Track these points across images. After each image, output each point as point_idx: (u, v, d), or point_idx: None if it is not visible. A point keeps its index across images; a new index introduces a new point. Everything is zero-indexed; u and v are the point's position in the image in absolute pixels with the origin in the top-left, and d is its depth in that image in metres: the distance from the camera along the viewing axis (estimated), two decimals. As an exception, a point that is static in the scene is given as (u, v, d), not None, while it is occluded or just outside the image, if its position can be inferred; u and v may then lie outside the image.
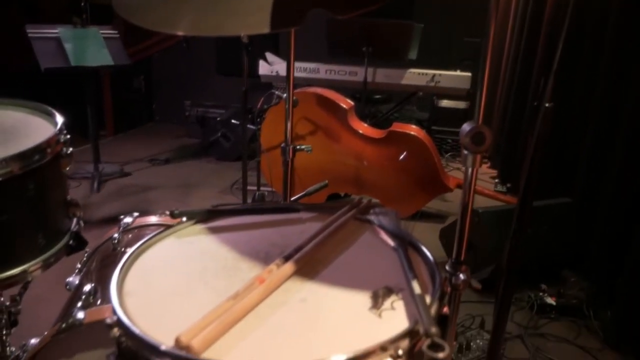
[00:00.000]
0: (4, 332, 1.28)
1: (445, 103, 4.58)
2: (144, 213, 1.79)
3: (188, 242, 0.95)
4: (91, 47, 3.57)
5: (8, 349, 1.29)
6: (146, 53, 4.92)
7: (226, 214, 1.04)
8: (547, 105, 1.23)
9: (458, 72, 3.86)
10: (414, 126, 3.29)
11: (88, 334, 1.28)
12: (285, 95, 3.07)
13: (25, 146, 1.12)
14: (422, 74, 3.82)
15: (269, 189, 3.38)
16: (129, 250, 0.89)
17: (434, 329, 0.64)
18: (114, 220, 1.76)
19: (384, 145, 3.27)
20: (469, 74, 3.85)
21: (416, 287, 0.75)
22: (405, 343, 0.65)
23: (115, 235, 1.58)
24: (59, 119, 1.23)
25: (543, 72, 3.12)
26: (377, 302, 0.75)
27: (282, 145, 1.61)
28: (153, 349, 0.64)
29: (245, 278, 0.81)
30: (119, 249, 1.57)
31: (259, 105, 3.12)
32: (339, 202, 1.08)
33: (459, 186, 3.33)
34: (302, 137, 3.43)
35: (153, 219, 1.83)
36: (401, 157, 3.28)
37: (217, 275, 0.83)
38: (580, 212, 2.55)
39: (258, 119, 3.19)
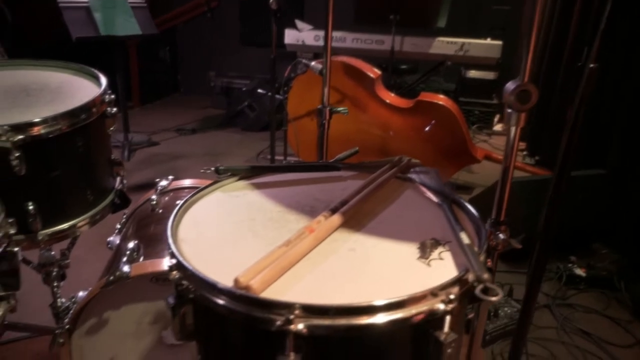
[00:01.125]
0: (55, 284, 1.34)
1: (472, 74, 4.48)
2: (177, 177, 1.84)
3: (234, 196, 0.97)
4: (120, 17, 3.59)
5: (58, 300, 1.36)
6: (171, 23, 4.91)
7: (268, 170, 1.06)
8: (592, 66, 1.21)
9: (488, 41, 3.76)
10: (442, 96, 3.24)
11: (133, 287, 1.34)
12: (312, 63, 3.06)
13: (72, 105, 1.15)
14: (451, 42, 3.74)
15: (296, 158, 3.40)
16: (179, 202, 0.91)
17: (486, 275, 0.65)
18: (146, 187, 1.81)
19: (411, 115, 3.24)
20: (500, 42, 3.75)
21: (465, 238, 0.76)
22: (456, 289, 0.67)
23: (153, 197, 1.62)
24: (103, 80, 1.26)
25: (579, 35, 3.02)
26: (425, 252, 0.76)
27: (319, 107, 1.61)
28: (214, 288, 0.67)
29: (293, 229, 0.83)
30: (157, 210, 1.62)
31: (285, 75, 3.12)
32: (379, 161, 1.09)
33: (486, 157, 3.30)
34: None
35: (187, 182, 1.88)
36: (427, 128, 3.25)
37: (265, 226, 0.85)
38: (614, 184, 2.51)
39: (285, 88, 3.18)
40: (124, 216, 1.73)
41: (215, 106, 4.82)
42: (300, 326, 0.61)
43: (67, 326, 1.30)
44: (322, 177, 1.07)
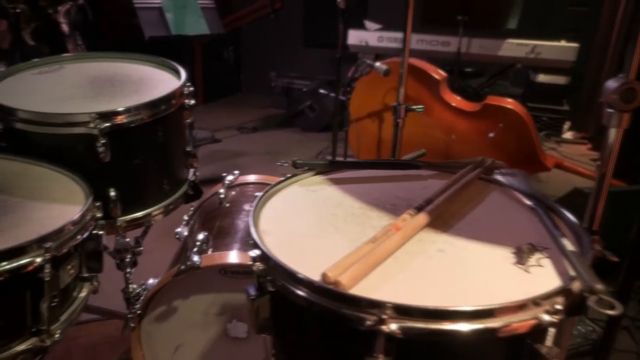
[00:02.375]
0: (128, 270, 1.38)
1: (542, 78, 4.26)
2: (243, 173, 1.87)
3: (312, 191, 0.95)
4: (190, 17, 3.71)
5: (130, 286, 1.40)
6: (236, 24, 5.03)
7: (346, 166, 1.03)
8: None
9: (563, 43, 3.56)
10: (510, 99, 3.10)
11: (202, 278, 1.35)
12: (377, 64, 3.01)
13: (153, 96, 1.18)
14: (522, 44, 3.57)
15: (355, 160, 3.37)
16: (258, 195, 0.91)
17: (599, 286, 0.59)
18: (209, 181, 1.84)
19: (477, 119, 3.13)
20: (576, 44, 3.54)
21: (568, 245, 0.70)
22: (561, 299, 0.61)
23: (221, 191, 1.64)
24: (183, 73, 1.29)
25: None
26: (522, 258, 0.71)
27: (394, 104, 1.57)
28: (300, 281, 0.64)
29: (376, 225, 0.80)
30: (224, 203, 1.64)
31: (349, 75, 3.09)
32: (460, 161, 1.04)
33: (557, 166, 3.12)
34: (391, 108, 3.36)
35: (252, 178, 1.90)
36: (492, 133, 3.13)
37: (347, 221, 0.82)
38: None
39: (348, 89, 3.16)
40: (191, 208, 1.77)
41: (275, 106, 4.88)
42: (394, 327, 0.57)
43: (138, 311, 1.34)
44: (400, 175, 1.03)
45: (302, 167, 1.01)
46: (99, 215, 0.91)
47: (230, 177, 1.78)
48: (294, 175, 1.00)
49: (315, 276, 0.65)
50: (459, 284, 0.66)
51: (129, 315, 1.34)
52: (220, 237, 1.48)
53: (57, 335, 0.79)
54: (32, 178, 0.98)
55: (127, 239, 1.38)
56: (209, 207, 1.74)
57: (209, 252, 1.37)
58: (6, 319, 0.74)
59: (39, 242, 0.73)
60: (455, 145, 3.23)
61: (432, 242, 0.76)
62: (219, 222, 1.58)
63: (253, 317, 0.74)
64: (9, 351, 0.74)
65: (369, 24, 3.82)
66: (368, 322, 0.59)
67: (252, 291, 0.73)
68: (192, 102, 1.28)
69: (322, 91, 4.19)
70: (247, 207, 1.66)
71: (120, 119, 1.10)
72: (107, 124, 1.06)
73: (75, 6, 2.89)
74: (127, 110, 1.11)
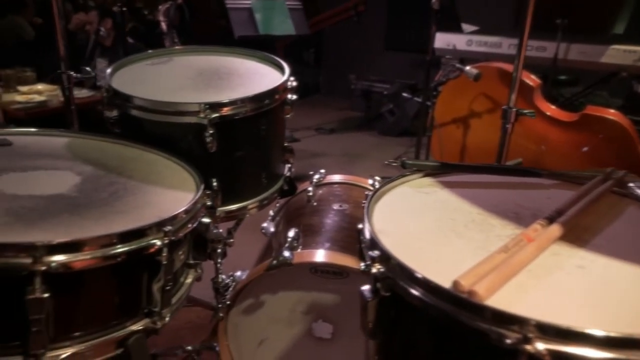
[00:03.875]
0: (219, 260, 1.40)
1: (647, 89, 3.91)
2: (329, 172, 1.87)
3: (423, 193, 0.90)
4: (277, 17, 3.78)
5: (220, 276, 1.42)
6: (319, 26, 5.06)
7: (458, 169, 0.97)
8: None
9: (679, 51, 3.23)
10: (613, 110, 2.86)
11: (292, 275, 1.34)
12: (467, 68, 2.88)
13: (258, 90, 1.18)
14: (630, 51, 3.28)
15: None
16: (368, 194, 0.87)
17: None
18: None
19: (573, 130, 2.90)
20: (694, 53, 3.20)
21: None
22: None
23: (310, 189, 1.63)
24: (287, 69, 1.28)
25: None
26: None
27: (504, 107, 1.48)
28: (428, 287, 0.60)
29: (501, 234, 0.74)
30: (312, 201, 1.63)
31: (436, 78, 3.00)
32: (586, 171, 0.95)
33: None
34: (479, 114, 3.22)
35: (337, 177, 1.88)
36: (585, 148, 2.90)
37: (468, 227, 0.77)
38: None
39: (434, 93, 3.06)
40: (277, 204, 1.77)
41: (353, 108, 4.86)
42: (540, 347, 0.51)
43: (227, 302, 1.35)
44: (517, 182, 0.95)
45: (410, 168, 0.97)
46: (208, 203, 0.92)
47: (317, 176, 1.77)
48: (402, 176, 0.95)
49: (442, 283, 0.60)
50: (612, 307, 0.58)
51: (219, 305, 1.35)
52: (310, 235, 1.46)
53: (167, 318, 0.81)
54: (146, 163, 1.01)
55: (220, 230, 1.40)
56: (296, 205, 1.74)
57: (299, 249, 1.36)
58: (123, 298, 0.76)
59: (159, 226, 0.75)
60: (545, 157, 3.02)
61: (568, 257, 0.68)
62: (307, 220, 1.57)
63: (365, 320, 0.71)
64: (123, 330, 0.76)
65: (465, 26, 3.69)
66: (509, 340, 0.53)
67: (368, 293, 0.70)
68: (294, 97, 1.27)
69: (405, 95, 4.11)
70: (335, 206, 1.64)
71: (227, 111, 1.11)
72: (216, 115, 1.07)
73: (174, 6, 3.04)
74: (233, 103, 1.12)
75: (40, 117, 3.11)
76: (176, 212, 0.79)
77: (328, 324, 1.37)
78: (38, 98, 3.34)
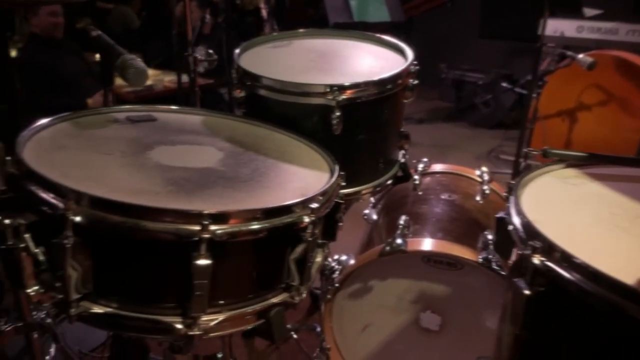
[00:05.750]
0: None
1: None
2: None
3: (571, 184, 0.84)
4: (372, 4, 3.74)
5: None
6: (411, 13, 4.94)
7: (609, 161, 0.90)
8: None
9: None
10: None
11: (403, 262, 1.33)
12: (580, 56, 2.67)
13: (381, 74, 1.16)
14: None
15: (537, 162, 3.07)
16: (512, 183, 0.83)
17: None
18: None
19: None
20: None
21: None
22: None
23: (416, 177, 1.59)
24: (410, 54, 1.26)
25: None
26: None
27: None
28: (609, 285, 0.55)
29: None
30: (417, 190, 1.59)
31: (542, 67, 2.81)
32: None
33: None
34: (588, 107, 2.99)
35: (439, 167, 1.83)
36: None
37: (634, 223, 0.71)
38: None
39: (539, 83, 2.87)
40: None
41: (443, 98, 4.72)
42: None
43: (336, 284, 1.36)
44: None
45: (553, 157, 0.91)
46: (343, 184, 0.92)
47: (421, 165, 1.73)
48: (545, 166, 0.90)
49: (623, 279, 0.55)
50: None
51: (328, 287, 1.37)
52: (420, 224, 1.43)
53: (304, 294, 0.82)
54: (277, 143, 1.04)
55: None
56: (400, 193, 1.71)
57: (409, 237, 1.34)
58: (268, 271, 0.79)
59: (305, 203, 0.76)
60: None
61: None
62: (415, 209, 1.54)
63: (518, 314, 0.67)
64: (265, 302, 0.79)
65: (587, 10, 3.40)
66: None
67: (523, 285, 0.66)
68: (416, 82, 1.24)
69: (505, 85, 3.91)
70: (444, 196, 1.59)
71: (351, 93, 1.11)
72: (344, 97, 1.07)
73: (274, -7, 3.09)
74: (357, 85, 1.11)
75: (147, 99, 3.33)
76: (321, 190, 0.80)
77: (436, 316, 1.34)
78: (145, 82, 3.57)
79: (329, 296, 1.38)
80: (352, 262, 1.39)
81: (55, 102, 2.70)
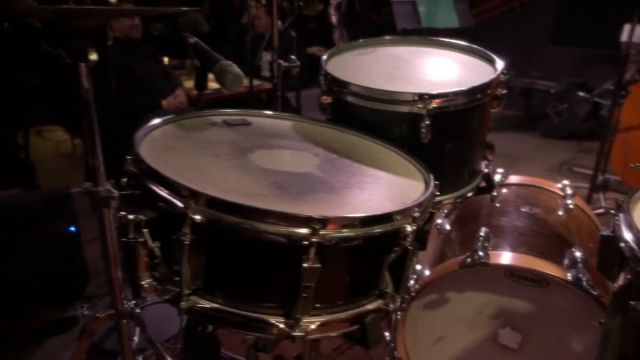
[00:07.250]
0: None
1: None
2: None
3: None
4: (441, 10, 3.68)
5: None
6: (479, 18, 4.82)
7: None
8: None
9: None
10: None
11: (483, 276, 1.30)
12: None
13: (471, 84, 1.15)
14: None
15: (615, 177, 2.90)
16: (622, 200, 0.79)
17: None
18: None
19: None
20: None
21: None
22: None
23: (494, 189, 1.55)
24: (500, 63, 1.23)
25: None
26: None
27: None
28: None
29: None
30: (495, 202, 1.55)
31: (628, 76, 2.66)
32: None
33: None
34: None
35: (515, 179, 1.77)
36: None
37: None
38: None
39: (622, 93, 2.72)
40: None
41: (511, 107, 4.56)
42: None
43: (412, 294, 1.35)
44: None
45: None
46: (437, 193, 0.92)
47: (499, 176, 1.68)
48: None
49: None
50: None
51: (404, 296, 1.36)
52: (500, 237, 1.40)
53: (398, 302, 0.82)
54: (368, 150, 1.05)
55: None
56: (475, 204, 1.67)
57: (490, 250, 1.31)
58: (366, 277, 0.79)
59: (406, 212, 0.76)
60: None
61: None
62: (493, 221, 1.50)
63: (635, 339, 0.64)
64: (361, 308, 0.79)
65: None
66: None
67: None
68: (505, 92, 1.22)
69: (582, 94, 3.73)
70: (524, 209, 1.54)
71: (440, 102, 1.10)
72: (434, 106, 1.07)
73: (345, 1, 3.12)
74: (446, 95, 1.10)
75: (216, 102, 3.44)
76: (422, 199, 0.80)
77: (517, 333, 1.30)
78: (214, 86, 3.70)
79: (404, 305, 1.37)
80: (427, 272, 1.38)
81: (133, 102, 2.85)
